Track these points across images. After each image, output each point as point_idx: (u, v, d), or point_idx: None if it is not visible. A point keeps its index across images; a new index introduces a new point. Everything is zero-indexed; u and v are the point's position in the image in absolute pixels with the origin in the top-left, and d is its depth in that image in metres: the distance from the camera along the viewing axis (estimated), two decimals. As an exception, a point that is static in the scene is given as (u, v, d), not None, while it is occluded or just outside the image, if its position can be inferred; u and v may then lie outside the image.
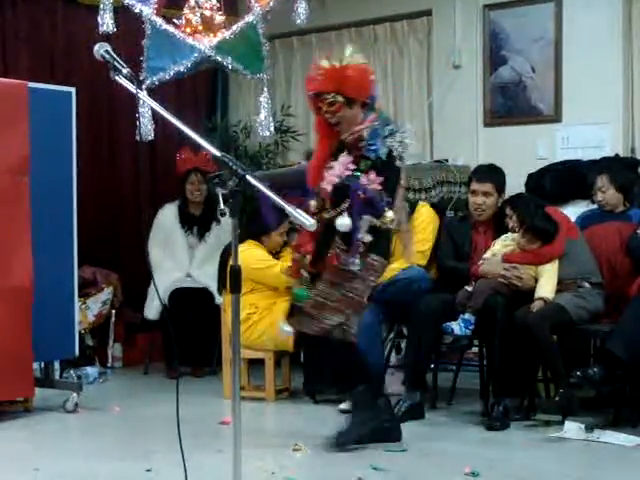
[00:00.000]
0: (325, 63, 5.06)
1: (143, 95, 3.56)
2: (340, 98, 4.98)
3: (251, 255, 6.47)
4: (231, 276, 3.29)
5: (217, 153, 3.26)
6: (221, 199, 3.20)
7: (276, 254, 6.77)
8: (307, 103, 5.22)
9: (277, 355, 6.72)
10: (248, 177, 3.16)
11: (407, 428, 5.48)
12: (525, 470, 4.80)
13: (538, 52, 7.97)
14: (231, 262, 3.32)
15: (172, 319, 7.38)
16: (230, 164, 3.19)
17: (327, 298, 5.04)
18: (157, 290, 7.45)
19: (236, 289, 3.26)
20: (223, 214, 3.24)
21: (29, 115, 5.93)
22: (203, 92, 9.39)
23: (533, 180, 7.48)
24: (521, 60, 8.08)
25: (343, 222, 4.85)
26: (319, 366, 6.62)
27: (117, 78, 3.64)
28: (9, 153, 5.82)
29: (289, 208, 3.20)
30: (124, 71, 3.61)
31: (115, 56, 3.64)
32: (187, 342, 7.30)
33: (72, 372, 7.25)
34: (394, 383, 6.46)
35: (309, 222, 3.19)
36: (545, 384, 6.25)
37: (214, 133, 8.66)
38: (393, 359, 7.08)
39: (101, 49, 3.67)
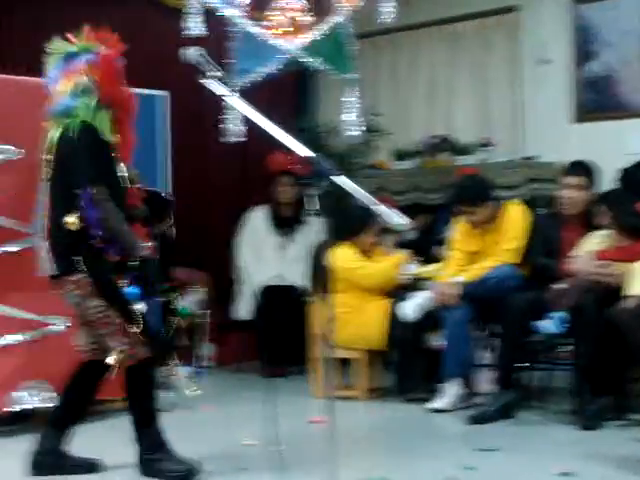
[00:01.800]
0: None
1: (236, 98, 3.59)
2: None
3: (343, 255, 6.51)
4: (324, 275, 3.30)
5: (310, 154, 3.28)
6: (314, 200, 3.22)
7: (369, 253, 6.80)
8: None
9: (369, 354, 6.73)
10: (343, 178, 3.18)
11: (498, 427, 5.45)
12: (619, 470, 4.73)
13: (629, 45, 7.86)
14: (323, 262, 3.33)
15: (263, 318, 7.44)
16: (323, 165, 3.21)
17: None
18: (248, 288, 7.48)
19: (328, 288, 3.27)
20: (316, 214, 3.28)
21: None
22: (291, 93, 9.46)
23: (628, 175, 7.35)
24: (611, 54, 7.99)
25: None
26: (410, 365, 6.63)
27: (210, 82, 3.69)
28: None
29: (382, 207, 3.21)
30: (218, 74, 3.66)
31: (209, 59, 3.70)
32: (278, 341, 7.34)
33: (167, 371, 7.33)
34: (486, 382, 6.44)
35: (403, 221, 3.21)
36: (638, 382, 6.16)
37: (302, 134, 8.69)
38: (487, 358, 7.03)
39: (195, 53, 3.73)
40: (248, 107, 3.64)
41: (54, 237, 4.43)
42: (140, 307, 4.45)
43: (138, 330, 4.42)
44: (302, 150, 3.37)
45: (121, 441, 4.88)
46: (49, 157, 4.42)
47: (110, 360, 4.47)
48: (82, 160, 4.31)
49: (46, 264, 4.51)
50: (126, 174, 4.58)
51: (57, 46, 4.48)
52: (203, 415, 6.37)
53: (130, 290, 4.41)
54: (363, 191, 3.38)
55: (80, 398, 4.79)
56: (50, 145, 4.42)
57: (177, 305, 4.69)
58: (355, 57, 6.97)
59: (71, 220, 4.30)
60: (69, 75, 4.40)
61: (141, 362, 4.53)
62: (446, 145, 8.58)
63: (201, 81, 3.69)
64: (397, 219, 3.22)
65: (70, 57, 4.44)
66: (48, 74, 4.47)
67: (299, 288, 7.57)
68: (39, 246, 4.64)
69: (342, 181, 3.19)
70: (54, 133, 4.38)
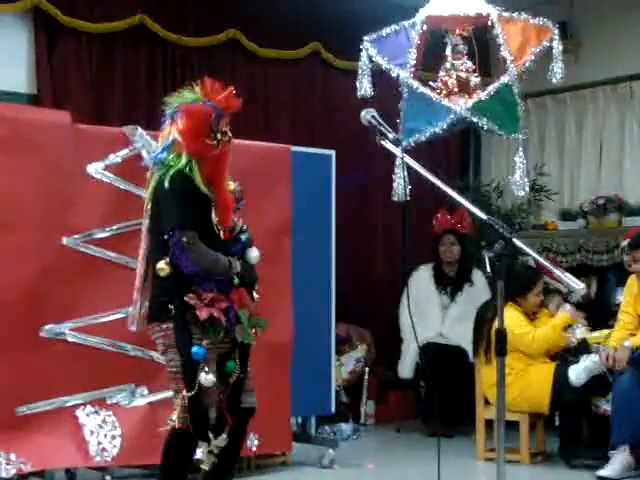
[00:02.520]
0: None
1: (408, 158, 3.62)
2: None
3: (508, 319, 6.43)
4: (497, 339, 3.27)
5: (483, 216, 3.27)
6: (487, 262, 3.20)
7: (533, 315, 6.71)
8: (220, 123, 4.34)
9: (532, 417, 6.62)
10: (515, 240, 3.16)
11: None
12: None
13: None
14: (496, 324, 3.30)
15: (425, 377, 7.42)
16: (496, 227, 3.20)
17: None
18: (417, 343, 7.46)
19: (501, 352, 3.25)
20: (487, 276, 3.26)
21: (292, 178, 6.16)
22: (455, 152, 9.52)
23: None
24: None
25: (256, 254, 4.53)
26: (575, 429, 6.48)
27: (382, 142, 3.73)
28: (273, 214, 6.06)
29: (557, 271, 3.17)
30: (390, 136, 3.70)
31: (381, 121, 3.74)
32: (440, 400, 7.29)
33: (327, 428, 7.38)
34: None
35: (578, 286, 3.15)
36: None
37: (466, 193, 8.68)
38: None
39: (368, 114, 3.78)
40: (419, 166, 3.65)
41: (153, 285, 4.39)
42: (209, 379, 4.22)
43: (187, 397, 4.23)
44: (477, 212, 3.34)
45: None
46: (148, 207, 4.42)
47: (171, 421, 4.32)
48: (172, 205, 4.27)
49: (134, 319, 4.50)
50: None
51: (174, 97, 4.42)
52: (365, 473, 6.36)
53: (197, 349, 4.21)
54: (534, 253, 3.35)
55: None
56: (149, 195, 4.43)
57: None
58: (522, 117, 6.93)
59: (160, 266, 4.26)
60: (166, 127, 4.40)
61: (182, 431, 4.30)
62: (614, 206, 8.42)
63: (378, 141, 3.70)
64: (572, 283, 3.17)
65: (177, 109, 4.36)
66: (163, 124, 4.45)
67: (461, 348, 7.51)
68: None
69: (518, 244, 3.17)
70: (152, 183, 4.39)
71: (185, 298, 4.23)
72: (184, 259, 4.22)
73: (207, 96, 4.33)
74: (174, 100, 4.39)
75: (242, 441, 4.63)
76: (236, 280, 4.36)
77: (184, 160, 4.29)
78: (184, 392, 4.22)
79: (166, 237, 4.25)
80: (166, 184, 4.25)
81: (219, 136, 4.31)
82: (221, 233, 4.40)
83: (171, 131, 4.35)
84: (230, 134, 4.39)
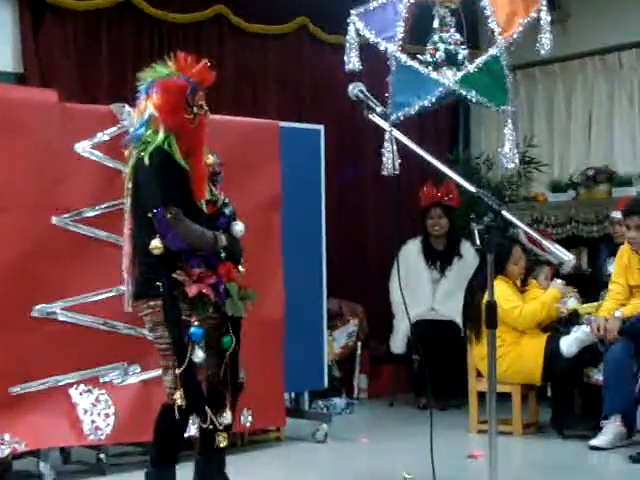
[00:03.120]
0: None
1: (397, 132, 3.62)
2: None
3: (498, 292, 6.43)
4: (487, 312, 3.28)
5: (472, 189, 3.27)
6: (477, 235, 3.20)
7: (523, 286, 6.73)
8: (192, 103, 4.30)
9: (524, 389, 6.65)
10: (504, 213, 3.16)
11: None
12: None
13: None
14: (485, 297, 3.31)
15: (418, 351, 7.45)
16: (486, 200, 3.20)
17: None
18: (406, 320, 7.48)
19: (492, 324, 3.25)
20: (477, 250, 3.26)
21: (281, 153, 6.14)
22: (444, 125, 9.50)
23: None
24: None
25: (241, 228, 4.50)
26: (567, 400, 6.51)
27: (370, 116, 3.72)
28: (262, 190, 6.05)
29: (546, 243, 3.18)
30: (378, 109, 3.69)
31: (369, 95, 3.73)
32: (432, 374, 7.32)
33: (320, 403, 7.41)
34: (647, 420, 6.27)
35: (568, 258, 3.16)
36: None
37: (456, 166, 8.68)
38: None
39: (355, 89, 3.78)
40: (408, 140, 3.64)
41: (140, 262, 4.36)
42: (200, 355, 4.22)
43: (179, 374, 4.22)
44: (465, 184, 3.34)
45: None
46: (129, 186, 4.39)
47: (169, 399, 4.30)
48: (153, 182, 4.24)
49: (128, 300, 4.51)
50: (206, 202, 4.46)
51: (147, 72, 4.39)
52: (359, 447, 6.38)
53: (195, 330, 4.21)
54: (524, 225, 3.35)
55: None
56: (128, 174, 4.40)
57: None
58: (510, 89, 6.92)
59: (154, 244, 4.22)
60: (142, 102, 4.36)
61: (171, 407, 4.28)
62: (604, 177, 8.43)
63: (366, 116, 3.69)
64: (561, 255, 3.17)
65: (151, 84, 4.34)
66: (137, 100, 4.43)
67: (453, 322, 7.53)
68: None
69: (507, 216, 3.16)
70: (131, 161, 4.37)
71: (173, 275, 4.21)
72: (170, 236, 4.19)
73: (181, 70, 4.31)
74: (148, 75, 4.36)
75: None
76: (223, 254, 4.35)
77: (162, 136, 4.25)
78: (175, 369, 4.21)
79: (150, 215, 4.22)
80: (146, 161, 4.23)
81: (195, 110, 4.28)
82: (204, 207, 4.39)
83: (147, 106, 4.32)
84: (206, 107, 4.36)
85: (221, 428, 4.35)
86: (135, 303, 4.42)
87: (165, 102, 4.27)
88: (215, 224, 4.40)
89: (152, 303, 4.29)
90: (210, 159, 4.51)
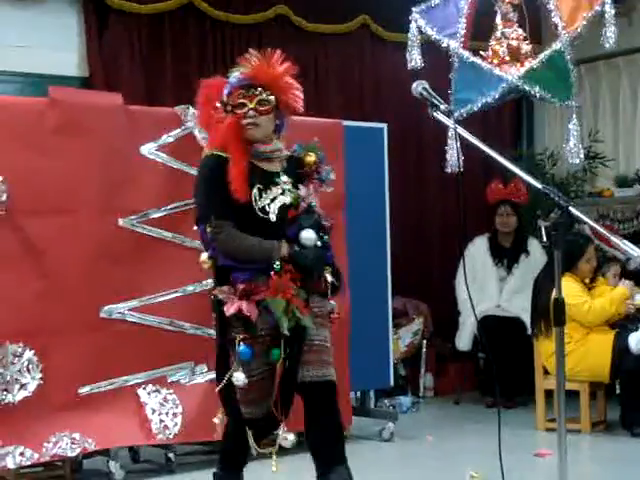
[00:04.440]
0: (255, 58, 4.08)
1: (461, 130, 3.59)
2: (272, 99, 4.05)
3: (566, 288, 6.37)
4: (555, 309, 3.25)
5: (539, 185, 3.24)
6: (544, 232, 3.17)
7: (591, 283, 6.67)
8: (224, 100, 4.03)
9: (592, 386, 6.58)
10: (571, 209, 3.12)
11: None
12: None
13: None
14: (553, 295, 3.28)
15: (484, 349, 7.41)
16: (552, 196, 3.16)
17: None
18: (475, 316, 7.44)
19: (560, 322, 3.22)
20: (544, 246, 3.23)
21: (344, 152, 6.14)
22: (508, 121, 9.44)
23: None
24: None
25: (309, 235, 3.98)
26: (637, 397, 6.43)
27: (435, 114, 3.70)
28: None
29: (614, 238, 3.14)
30: (442, 107, 3.67)
31: (433, 93, 3.71)
32: (498, 372, 7.27)
33: (386, 401, 7.41)
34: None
35: (637, 253, 3.10)
36: None
37: (520, 162, 8.62)
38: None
39: (419, 86, 3.74)
40: (472, 137, 3.61)
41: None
42: (240, 378, 3.87)
43: (218, 393, 4.00)
44: (532, 181, 3.30)
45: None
46: None
47: (216, 419, 4.15)
48: (197, 193, 4.02)
49: None
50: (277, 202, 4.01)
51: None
52: (425, 446, 6.37)
53: (243, 349, 3.86)
54: (591, 221, 3.31)
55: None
56: None
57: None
58: (575, 84, 6.85)
59: (203, 259, 4.02)
60: None
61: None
62: (670, 171, 8.32)
63: (430, 113, 3.66)
64: (630, 250, 3.13)
65: None
66: None
67: (520, 320, 7.47)
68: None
69: (574, 212, 3.13)
70: None
71: (214, 292, 3.96)
72: (213, 251, 3.96)
73: (243, 73, 4.03)
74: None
75: (330, 417, 4.01)
76: (277, 265, 3.87)
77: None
78: (217, 391, 4.00)
79: (195, 228, 4.06)
80: (196, 170, 4.11)
81: (228, 108, 3.99)
82: (270, 215, 3.96)
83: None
84: (251, 105, 3.98)
85: (268, 452, 4.02)
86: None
87: (197, 100, 4.15)
88: (286, 233, 3.98)
89: (213, 315, 4.06)
90: (311, 157, 4.17)
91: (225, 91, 4.03)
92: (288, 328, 3.87)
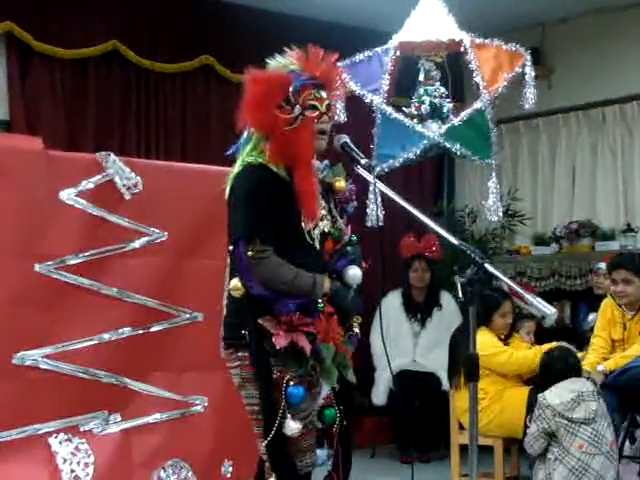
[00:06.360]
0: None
1: (381, 185, 3.62)
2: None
3: (483, 341, 6.43)
4: (468, 364, 3.27)
5: (455, 242, 3.28)
6: (460, 287, 3.19)
7: (506, 340, 6.72)
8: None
9: (506, 442, 6.61)
10: (487, 265, 3.16)
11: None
12: None
13: None
14: (462, 348, 3.30)
15: (399, 403, 7.42)
16: (469, 252, 3.19)
17: None
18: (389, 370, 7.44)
19: (473, 377, 3.25)
20: (459, 302, 3.26)
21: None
22: (429, 178, 9.55)
23: None
24: None
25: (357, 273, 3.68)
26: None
27: (355, 169, 3.71)
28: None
29: (528, 296, 3.17)
30: (362, 162, 3.68)
31: (354, 147, 3.73)
32: (414, 426, 7.29)
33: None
34: (629, 473, 6.24)
35: (550, 311, 3.13)
36: None
37: (441, 218, 8.72)
38: (627, 449, 6.82)
39: (340, 140, 3.76)
40: (392, 192, 3.64)
41: (227, 301, 3.60)
42: (293, 427, 3.52)
43: (265, 446, 3.52)
44: (449, 237, 3.34)
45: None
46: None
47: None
48: (236, 210, 3.47)
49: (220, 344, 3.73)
50: (319, 228, 3.68)
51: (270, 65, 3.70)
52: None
53: (293, 390, 3.46)
54: (506, 278, 3.36)
55: None
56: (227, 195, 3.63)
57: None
58: (495, 142, 6.97)
59: (234, 284, 3.47)
60: None
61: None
62: (587, 231, 8.47)
63: (351, 168, 3.68)
64: (544, 308, 3.17)
65: None
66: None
67: (435, 375, 7.51)
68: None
69: (490, 269, 3.17)
70: (228, 185, 3.60)
71: (259, 320, 3.44)
72: (248, 278, 3.41)
73: (308, 69, 3.55)
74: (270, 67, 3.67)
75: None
76: (320, 305, 3.52)
77: (252, 144, 3.51)
78: (262, 444, 3.51)
79: (230, 249, 3.49)
80: (232, 183, 3.52)
81: (297, 109, 3.48)
82: (315, 241, 3.60)
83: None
84: (323, 109, 3.56)
85: None
86: (226, 351, 3.64)
87: (252, 95, 3.51)
88: (329, 266, 3.62)
89: (241, 354, 3.54)
90: (340, 182, 3.80)
91: (291, 88, 3.52)
92: (333, 382, 3.69)
